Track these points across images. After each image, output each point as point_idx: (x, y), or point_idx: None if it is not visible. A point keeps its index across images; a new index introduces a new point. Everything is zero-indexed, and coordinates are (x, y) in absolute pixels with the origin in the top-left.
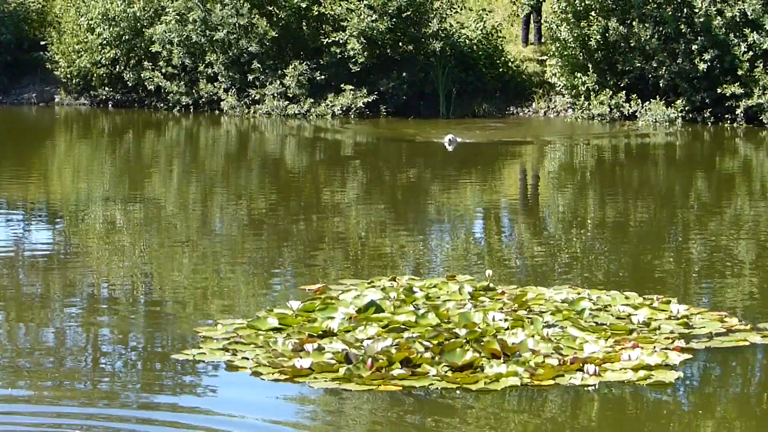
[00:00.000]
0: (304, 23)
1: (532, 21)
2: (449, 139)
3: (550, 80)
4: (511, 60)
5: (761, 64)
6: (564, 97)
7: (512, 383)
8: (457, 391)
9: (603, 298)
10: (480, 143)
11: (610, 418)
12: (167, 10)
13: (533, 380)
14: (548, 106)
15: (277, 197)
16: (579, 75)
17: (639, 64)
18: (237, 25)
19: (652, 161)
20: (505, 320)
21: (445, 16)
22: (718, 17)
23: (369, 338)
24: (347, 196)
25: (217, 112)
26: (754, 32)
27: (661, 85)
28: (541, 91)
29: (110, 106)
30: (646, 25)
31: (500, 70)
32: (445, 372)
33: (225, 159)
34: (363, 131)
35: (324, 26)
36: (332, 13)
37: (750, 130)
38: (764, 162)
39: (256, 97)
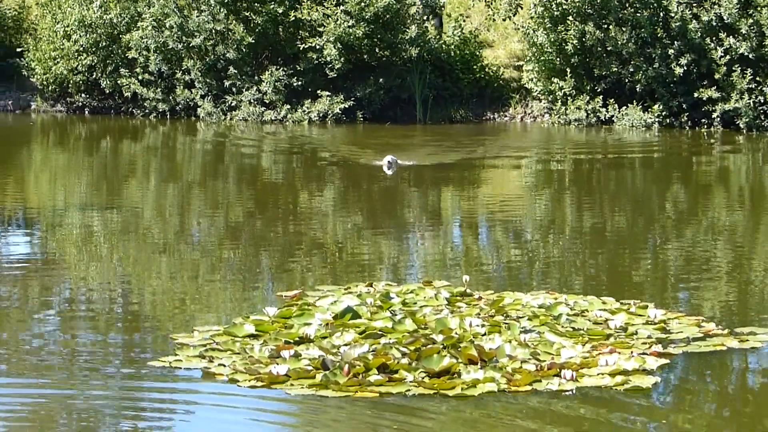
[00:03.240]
0: (280, 29)
1: None
2: (389, 162)
3: (527, 86)
4: (488, 65)
5: (738, 68)
6: (541, 102)
7: (489, 389)
8: (435, 397)
9: (580, 303)
10: (425, 166)
11: (588, 424)
12: (144, 16)
13: (510, 386)
14: (525, 112)
15: (254, 204)
16: (556, 80)
17: (616, 69)
18: (214, 31)
19: (629, 167)
20: (482, 326)
21: (422, 22)
22: (694, 21)
23: (346, 344)
24: (321, 204)
25: (193, 118)
26: (731, 36)
27: (637, 89)
28: (517, 96)
29: (87, 112)
30: (623, 29)
31: (477, 75)
32: (422, 378)
33: (202, 166)
34: (328, 138)
35: (301, 32)
36: (309, 18)
37: (727, 134)
38: (741, 167)
39: (232, 104)
